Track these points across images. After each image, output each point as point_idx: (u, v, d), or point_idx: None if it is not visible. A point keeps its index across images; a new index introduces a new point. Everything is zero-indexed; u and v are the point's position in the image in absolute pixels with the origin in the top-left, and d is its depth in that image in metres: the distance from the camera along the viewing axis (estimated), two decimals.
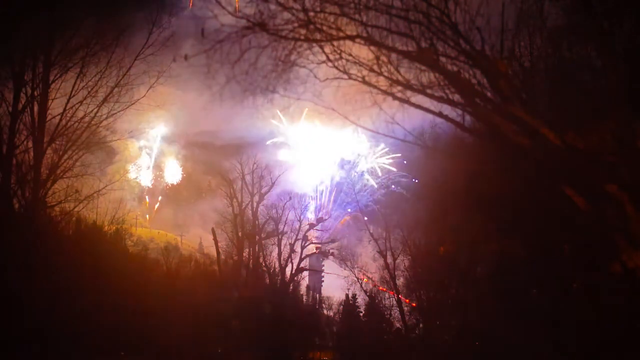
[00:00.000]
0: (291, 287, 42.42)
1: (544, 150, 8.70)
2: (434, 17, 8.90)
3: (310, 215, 50.70)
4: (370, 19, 8.95)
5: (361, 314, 42.78)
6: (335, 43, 8.97)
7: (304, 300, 48.36)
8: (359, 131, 53.57)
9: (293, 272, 41.25)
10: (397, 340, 36.81)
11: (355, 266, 40.14)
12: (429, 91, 9.05)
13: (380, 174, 56.81)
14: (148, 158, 61.51)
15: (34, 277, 20.23)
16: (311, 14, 8.76)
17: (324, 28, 8.82)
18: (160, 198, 63.05)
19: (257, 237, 40.63)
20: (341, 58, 9.05)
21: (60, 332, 20.91)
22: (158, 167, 63.89)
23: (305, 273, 46.83)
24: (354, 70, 9.09)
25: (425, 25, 8.92)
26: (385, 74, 8.98)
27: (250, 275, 39.69)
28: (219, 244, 39.60)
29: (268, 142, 55.98)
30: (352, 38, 8.94)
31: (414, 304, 35.15)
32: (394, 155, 55.89)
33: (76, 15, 22.68)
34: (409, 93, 9.11)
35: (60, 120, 22.45)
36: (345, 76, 9.14)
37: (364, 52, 9.09)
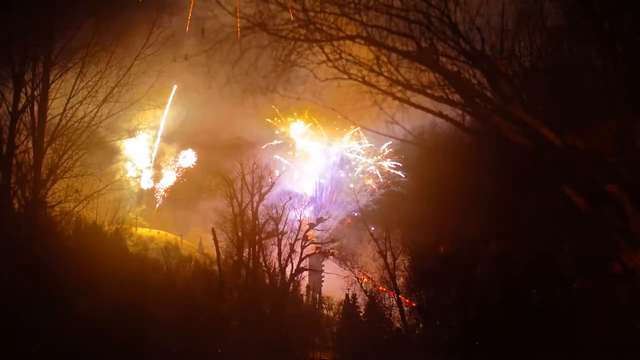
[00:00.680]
0: (291, 287, 42.41)
1: (544, 150, 8.70)
2: (434, 17, 8.90)
3: (310, 215, 50.69)
4: (370, 19, 8.96)
5: (361, 314, 42.78)
6: (335, 43, 8.98)
7: (304, 300, 48.36)
8: (359, 131, 53.63)
9: (293, 272, 41.23)
10: (397, 340, 36.80)
11: (355, 266, 40.15)
12: (429, 91, 9.06)
13: (380, 174, 56.83)
14: (148, 158, 61.53)
15: (34, 277, 20.21)
16: (311, 14, 8.76)
17: (324, 28, 8.83)
18: (162, 195, 62.95)
19: (257, 237, 40.59)
20: (341, 58, 9.06)
21: (60, 332, 20.91)
22: (158, 167, 63.91)
23: (305, 273, 46.81)
24: (354, 70, 9.10)
25: (425, 25, 8.93)
26: (385, 74, 8.99)
27: (250, 275, 39.65)
28: (219, 244, 39.60)
29: (265, 146, 55.99)
30: (352, 38, 8.95)
31: (414, 304, 35.15)
32: (393, 157, 55.94)
33: (76, 15, 22.68)
34: (409, 93, 9.12)
35: (60, 120, 22.45)
36: (345, 76, 9.14)
37: (364, 52, 9.10)
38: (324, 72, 9.20)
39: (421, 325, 34.61)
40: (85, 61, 22.69)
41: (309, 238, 43.32)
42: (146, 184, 61.49)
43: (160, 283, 33.47)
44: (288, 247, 41.25)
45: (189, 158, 61.92)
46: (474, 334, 25.55)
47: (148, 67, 23.72)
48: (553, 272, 16.78)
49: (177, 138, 62.98)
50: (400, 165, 54.56)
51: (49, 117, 22.35)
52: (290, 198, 42.45)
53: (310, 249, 44.60)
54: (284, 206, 41.60)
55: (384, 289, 38.94)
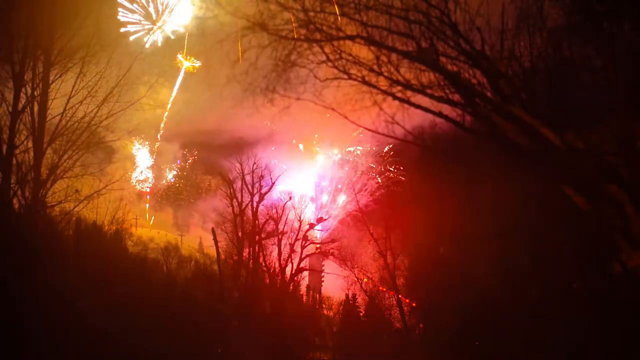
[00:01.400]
0: (291, 287, 42.41)
1: (544, 150, 8.70)
2: (434, 17, 8.90)
3: (310, 215, 50.73)
4: (370, 19, 8.96)
5: (361, 314, 42.78)
6: (335, 43, 8.98)
7: (304, 300, 48.37)
8: (359, 131, 53.64)
9: (293, 272, 41.24)
10: (397, 340, 36.79)
11: (355, 266, 40.16)
12: (429, 91, 9.06)
13: (380, 174, 56.86)
14: (148, 158, 61.58)
15: (34, 277, 20.21)
16: (311, 14, 8.76)
17: (324, 28, 8.83)
18: (162, 194, 62.88)
19: (257, 237, 40.60)
20: (341, 58, 9.06)
21: (60, 332, 20.90)
22: (158, 167, 63.94)
23: (305, 273, 46.81)
24: (354, 70, 9.10)
25: (425, 25, 8.93)
26: (385, 74, 8.99)
27: (250, 275, 39.65)
28: (219, 244, 39.60)
29: (273, 148, 55.96)
30: (352, 38, 8.95)
31: (414, 304, 35.15)
32: (393, 158, 55.97)
33: (76, 16, 22.69)
34: (409, 93, 9.12)
35: (60, 120, 22.46)
36: (345, 76, 9.15)
37: (364, 52, 9.10)
38: (324, 72, 9.21)
39: (421, 325, 34.60)
40: (85, 61, 22.71)
41: (309, 238, 43.34)
42: (147, 184, 61.55)
43: (160, 283, 33.49)
44: (288, 247, 41.26)
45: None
46: (474, 334, 25.54)
47: (148, 67, 23.76)
48: (553, 272, 16.76)
49: (177, 138, 63.07)
50: (402, 163, 54.59)
51: (49, 117, 22.36)
52: (290, 198, 42.49)
53: (310, 249, 44.62)
54: (284, 206, 41.64)
55: (384, 289, 38.94)
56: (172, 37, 51.64)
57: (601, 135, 8.89)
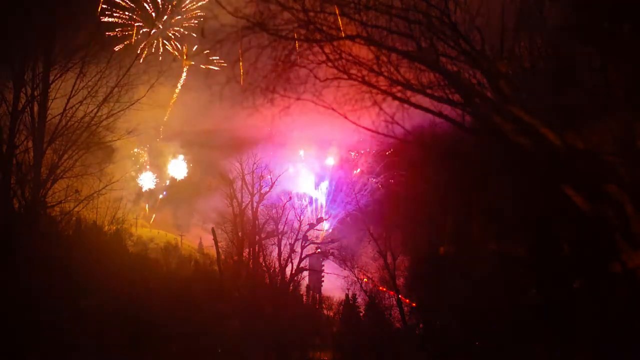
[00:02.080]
0: (291, 287, 42.41)
1: (544, 150, 8.70)
2: (434, 17, 8.91)
3: (310, 215, 50.72)
4: (370, 19, 8.96)
5: (361, 314, 42.77)
6: (335, 43, 8.97)
7: (304, 300, 48.36)
8: (359, 131, 53.53)
9: (293, 272, 41.24)
10: (397, 340, 36.78)
11: (355, 266, 40.15)
12: (429, 91, 9.06)
13: (380, 173, 56.84)
14: (147, 157, 61.54)
15: (34, 277, 20.21)
16: (311, 14, 8.76)
17: (324, 28, 8.83)
18: (162, 194, 62.88)
19: (257, 237, 40.61)
20: (341, 58, 9.05)
21: (59, 332, 20.90)
22: (158, 167, 63.90)
23: (305, 273, 46.82)
24: (354, 70, 9.10)
25: (425, 25, 8.93)
26: (385, 74, 8.99)
27: (250, 275, 39.66)
28: (219, 244, 39.61)
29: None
30: (352, 38, 8.95)
31: (414, 304, 35.15)
32: (394, 158, 55.92)
33: (76, 15, 22.69)
34: (409, 93, 9.12)
35: (60, 120, 22.45)
36: (345, 76, 9.14)
37: (364, 52, 9.10)
38: (324, 72, 9.21)
39: (421, 325, 34.59)
40: (85, 61, 22.70)
41: (309, 238, 43.35)
42: (147, 184, 61.53)
43: (160, 283, 33.47)
44: (288, 247, 41.27)
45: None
46: (474, 334, 25.53)
47: (148, 67, 23.77)
48: (553, 272, 16.75)
49: (177, 138, 63.03)
50: (402, 163, 54.54)
51: (49, 117, 22.35)
52: (290, 198, 42.49)
53: (310, 249, 44.62)
54: (284, 206, 41.65)
55: (384, 289, 38.94)
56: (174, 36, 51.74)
57: (601, 135, 8.90)
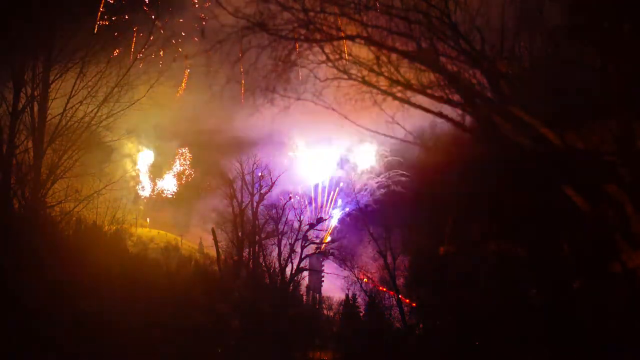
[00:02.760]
0: (291, 287, 42.39)
1: (544, 150, 8.70)
2: (434, 17, 8.90)
3: (310, 215, 50.71)
4: (370, 19, 8.96)
5: (361, 314, 42.76)
6: (335, 43, 8.97)
7: (304, 300, 48.35)
8: (359, 131, 53.59)
9: (293, 272, 41.22)
10: (397, 340, 36.78)
11: (355, 266, 40.16)
12: (429, 91, 9.06)
13: (380, 173, 56.85)
14: (148, 157, 61.50)
15: (34, 277, 20.20)
16: (311, 14, 8.76)
17: (324, 28, 8.82)
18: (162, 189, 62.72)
19: (257, 237, 40.59)
20: (341, 58, 9.06)
21: (59, 333, 20.90)
22: (158, 167, 63.87)
23: (305, 273, 46.79)
24: (354, 70, 9.11)
25: (425, 25, 8.93)
26: (385, 74, 8.98)
27: (250, 275, 39.64)
28: (219, 244, 39.60)
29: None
30: (352, 38, 8.95)
31: (414, 304, 35.15)
32: (393, 157, 55.97)
33: (76, 15, 22.69)
34: (409, 93, 9.11)
35: (60, 120, 22.45)
36: (345, 76, 9.14)
37: (364, 52, 9.10)
38: (324, 72, 9.21)
39: (421, 325, 34.59)
40: (85, 61, 22.69)
41: (309, 238, 43.33)
42: (146, 185, 61.50)
43: (160, 283, 33.46)
44: (288, 247, 41.25)
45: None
46: (474, 334, 25.53)
47: (148, 67, 23.77)
48: (553, 272, 16.75)
49: (177, 137, 62.98)
50: (402, 163, 54.56)
51: (49, 117, 22.35)
52: (290, 198, 42.48)
53: (310, 249, 44.61)
54: (284, 206, 41.64)
55: (384, 289, 38.95)
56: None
57: (601, 135, 8.89)
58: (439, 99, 9.12)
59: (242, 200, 40.67)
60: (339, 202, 57.57)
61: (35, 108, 22.06)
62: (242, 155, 41.23)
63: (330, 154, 59.50)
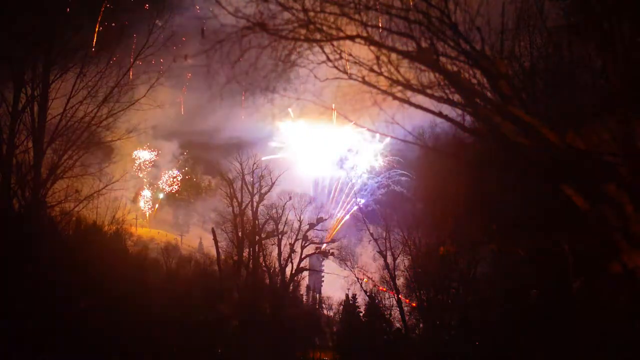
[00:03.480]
0: (291, 287, 42.42)
1: (544, 150, 8.69)
2: (434, 17, 8.89)
3: (310, 215, 50.73)
4: (370, 19, 8.94)
5: (361, 314, 42.81)
6: (335, 43, 8.96)
7: (304, 300, 48.40)
8: (359, 131, 53.73)
9: (293, 272, 41.25)
10: (397, 340, 36.82)
11: (355, 266, 40.21)
12: (429, 91, 9.04)
13: (379, 173, 56.89)
14: (147, 156, 61.61)
15: (34, 277, 20.21)
16: (311, 14, 8.75)
17: (324, 28, 8.82)
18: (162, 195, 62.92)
19: (257, 237, 40.62)
20: (341, 58, 9.04)
21: (59, 332, 20.91)
22: (157, 167, 63.93)
23: (305, 273, 46.86)
24: (354, 70, 9.08)
25: (425, 25, 8.91)
26: (385, 74, 8.97)
27: (250, 275, 39.68)
28: (219, 244, 39.62)
29: (272, 144, 55.87)
30: (352, 38, 8.93)
31: (414, 304, 35.19)
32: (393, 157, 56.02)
33: (76, 16, 22.70)
34: (409, 93, 9.09)
35: (60, 120, 22.44)
36: (345, 76, 9.12)
37: (364, 52, 9.08)
38: (324, 72, 9.19)
39: (421, 325, 34.62)
40: (85, 61, 22.70)
41: (309, 238, 43.36)
42: (146, 185, 61.60)
43: (160, 283, 33.48)
44: (288, 247, 41.28)
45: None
46: (474, 333, 25.56)
47: (148, 67, 23.77)
48: (553, 272, 16.76)
49: (176, 137, 63.05)
50: (402, 162, 54.62)
51: (49, 117, 22.34)
52: (290, 198, 42.49)
53: (310, 249, 44.64)
54: (284, 206, 41.65)
55: (384, 289, 38.98)
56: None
57: (601, 135, 8.89)
58: (439, 99, 9.11)
59: (242, 200, 40.69)
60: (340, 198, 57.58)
61: (35, 108, 22.05)
62: (242, 155, 41.29)
63: (330, 153, 59.60)
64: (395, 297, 36.14)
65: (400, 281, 35.81)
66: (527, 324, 18.75)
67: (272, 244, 41.51)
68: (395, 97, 9.10)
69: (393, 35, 8.98)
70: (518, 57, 12.23)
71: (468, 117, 9.86)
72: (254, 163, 41.36)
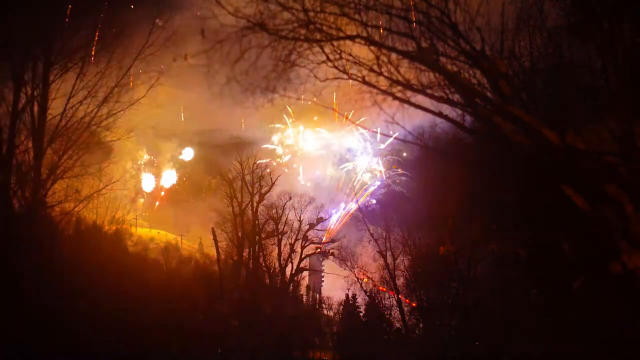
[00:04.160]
0: (291, 287, 42.39)
1: (544, 150, 8.70)
2: (434, 17, 8.90)
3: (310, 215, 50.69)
4: (370, 19, 8.95)
5: (361, 314, 42.77)
6: (335, 43, 8.97)
7: (304, 300, 48.35)
8: (359, 130, 53.77)
9: (293, 272, 41.23)
10: (397, 340, 36.79)
11: (355, 266, 40.17)
12: (429, 91, 9.05)
13: (379, 173, 56.89)
14: (147, 157, 61.54)
15: (34, 277, 20.21)
16: (311, 14, 8.75)
17: (324, 28, 8.82)
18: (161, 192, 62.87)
19: (257, 237, 40.60)
20: (341, 58, 9.04)
21: (59, 332, 20.90)
22: (157, 167, 63.86)
23: (305, 273, 46.79)
24: (354, 70, 9.09)
25: (425, 25, 8.92)
26: (385, 74, 8.97)
27: (250, 275, 39.65)
28: (219, 244, 39.61)
29: (264, 146, 55.93)
30: (352, 38, 8.94)
31: (414, 304, 35.17)
32: (393, 157, 56.00)
33: (76, 15, 22.70)
34: (409, 93, 9.10)
35: (60, 120, 22.44)
36: (345, 76, 9.13)
37: (364, 52, 9.08)
38: (324, 72, 9.19)
39: (421, 325, 34.60)
40: (85, 61, 22.70)
41: (309, 238, 43.35)
42: (147, 184, 61.55)
43: (160, 283, 33.45)
44: (288, 247, 41.26)
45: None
46: (474, 333, 25.55)
47: (148, 67, 23.76)
48: (553, 272, 16.75)
49: (176, 137, 62.96)
50: (402, 163, 54.62)
51: (49, 117, 22.34)
52: (290, 198, 42.47)
53: (310, 249, 44.62)
54: (284, 206, 41.64)
55: (384, 289, 38.95)
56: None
57: (601, 135, 8.89)
58: (439, 99, 9.11)
59: (242, 200, 40.68)
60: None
61: (35, 108, 22.04)
62: (242, 155, 41.27)
63: (330, 153, 59.55)
64: (395, 297, 36.13)
65: (400, 281, 35.81)
66: (527, 323, 18.74)
67: (272, 244, 41.49)
68: (395, 97, 9.10)
69: (393, 35, 8.99)
70: (518, 57, 12.23)
71: (468, 117, 9.87)
72: (254, 163, 41.39)
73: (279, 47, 8.84)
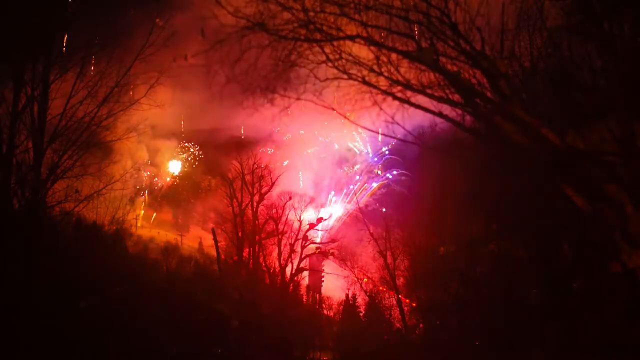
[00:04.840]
0: (291, 287, 42.43)
1: (544, 150, 8.69)
2: (434, 17, 8.90)
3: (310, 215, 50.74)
4: (370, 19, 8.95)
5: (361, 314, 42.82)
6: (335, 43, 8.97)
7: (304, 300, 48.39)
8: (359, 130, 53.82)
9: (293, 272, 41.26)
10: (397, 340, 36.81)
11: (355, 266, 40.20)
12: (429, 91, 9.04)
13: (379, 173, 56.94)
14: (147, 157, 61.64)
15: (34, 277, 20.21)
16: (311, 14, 8.76)
17: (324, 28, 8.82)
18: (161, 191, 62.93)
19: (257, 237, 40.64)
20: (341, 58, 9.04)
21: (59, 333, 20.91)
22: (157, 167, 63.93)
23: (305, 273, 46.86)
24: (354, 70, 9.08)
25: (425, 25, 8.92)
26: (385, 74, 8.97)
27: (250, 275, 39.70)
28: (219, 244, 39.65)
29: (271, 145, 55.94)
30: (352, 38, 8.94)
31: (414, 304, 35.21)
32: (393, 157, 56.06)
33: (76, 15, 22.69)
34: (409, 93, 9.09)
35: (60, 120, 22.41)
36: (345, 76, 9.12)
37: (364, 52, 9.08)
38: (324, 72, 9.18)
39: (421, 325, 34.62)
40: (85, 61, 22.68)
41: (309, 238, 43.40)
42: (146, 184, 61.59)
43: (160, 283, 33.49)
44: (288, 247, 41.29)
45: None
46: (474, 334, 25.55)
47: (148, 67, 23.71)
48: (553, 272, 16.77)
49: (176, 137, 63.08)
50: (402, 163, 54.68)
51: (49, 117, 22.31)
52: (290, 198, 42.53)
53: (310, 249, 44.67)
54: (284, 206, 41.69)
55: (384, 289, 38.98)
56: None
57: (601, 135, 8.89)
58: (439, 99, 9.10)
59: (242, 200, 40.72)
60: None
61: (35, 108, 22.02)
62: (242, 155, 41.35)
63: (330, 153, 59.59)
64: (395, 297, 36.15)
65: (400, 281, 35.83)
66: (527, 324, 18.75)
67: (272, 244, 41.54)
68: (395, 97, 9.09)
69: (393, 35, 8.99)
70: (518, 57, 12.24)
71: (468, 117, 9.86)
72: (254, 163, 41.45)
73: (279, 47, 8.84)
